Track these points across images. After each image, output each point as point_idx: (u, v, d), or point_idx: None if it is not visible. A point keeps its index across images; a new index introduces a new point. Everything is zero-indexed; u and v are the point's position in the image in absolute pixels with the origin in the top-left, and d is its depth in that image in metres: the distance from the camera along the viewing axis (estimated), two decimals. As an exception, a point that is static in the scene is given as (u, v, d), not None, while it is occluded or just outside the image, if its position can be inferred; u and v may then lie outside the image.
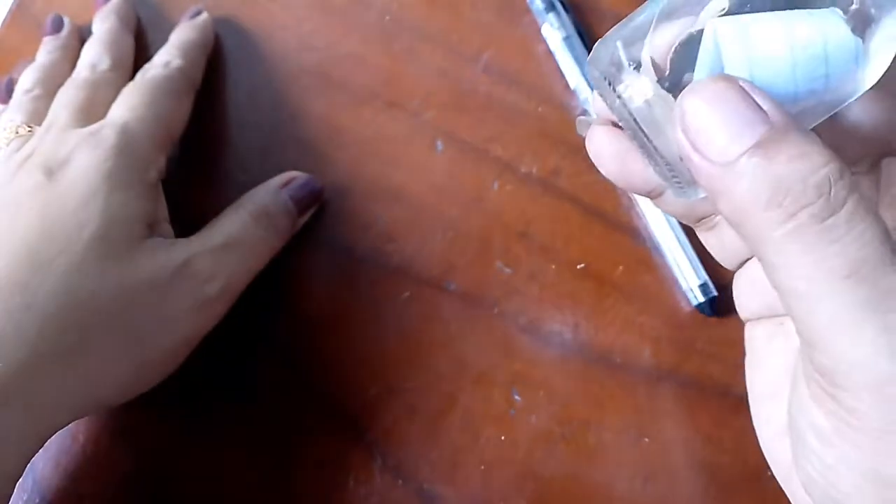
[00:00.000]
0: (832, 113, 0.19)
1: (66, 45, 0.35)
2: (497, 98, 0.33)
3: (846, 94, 0.18)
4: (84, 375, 0.26)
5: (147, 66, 0.33)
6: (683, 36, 0.18)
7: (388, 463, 0.29)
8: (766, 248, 0.16)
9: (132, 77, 0.33)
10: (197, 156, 0.34)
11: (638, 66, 0.18)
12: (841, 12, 0.17)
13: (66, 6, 0.37)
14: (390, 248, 0.32)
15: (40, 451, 0.26)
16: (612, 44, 0.18)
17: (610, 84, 0.19)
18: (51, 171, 0.28)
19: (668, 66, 0.18)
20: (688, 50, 0.18)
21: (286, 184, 0.32)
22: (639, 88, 0.18)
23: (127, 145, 0.29)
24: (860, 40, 0.17)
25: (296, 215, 0.31)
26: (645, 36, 0.18)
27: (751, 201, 0.16)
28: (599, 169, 0.21)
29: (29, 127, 0.31)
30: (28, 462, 0.26)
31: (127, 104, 0.30)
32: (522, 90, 0.33)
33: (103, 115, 0.30)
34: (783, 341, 0.22)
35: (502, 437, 0.29)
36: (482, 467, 0.29)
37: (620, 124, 0.19)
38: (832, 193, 0.15)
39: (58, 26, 0.36)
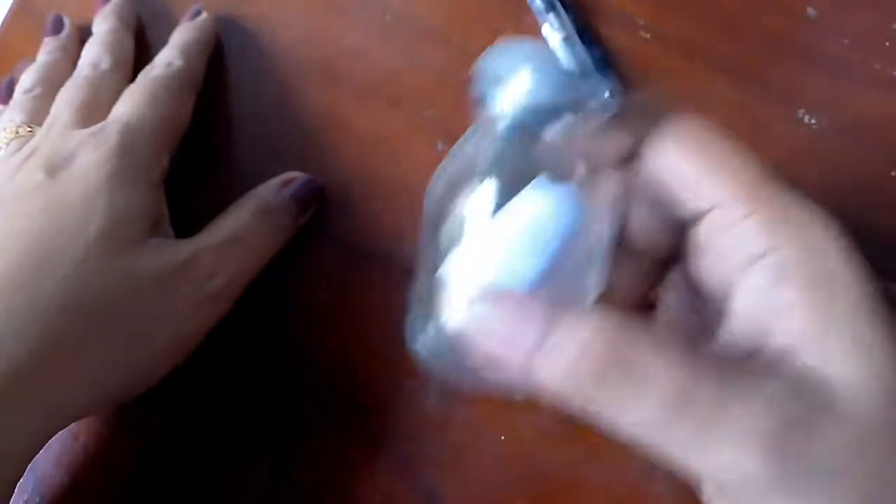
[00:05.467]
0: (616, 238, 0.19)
1: (66, 46, 0.35)
2: (498, 97, 0.33)
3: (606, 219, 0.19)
4: (87, 373, 0.26)
5: (149, 66, 0.33)
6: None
7: (391, 461, 0.29)
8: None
9: (133, 77, 0.33)
10: (200, 153, 0.34)
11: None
12: (543, 175, 0.18)
13: (67, 6, 0.37)
14: (394, 246, 0.32)
15: (41, 449, 0.26)
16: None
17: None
18: (53, 171, 0.28)
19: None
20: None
21: (287, 183, 0.32)
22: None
23: (129, 145, 0.29)
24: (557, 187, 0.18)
25: (296, 214, 0.31)
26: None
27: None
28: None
29: (29, 127, 0.31)
30: (30, 461, 0.25)
31: (129, 104, 0.30)
32: (522, 89, 0.33)
33: (104, 114, 0.30)
34: None
35: (502, 437, 0.29)
36: (484, 466, 0.29)
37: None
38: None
39: (58, 27, 0.36)
